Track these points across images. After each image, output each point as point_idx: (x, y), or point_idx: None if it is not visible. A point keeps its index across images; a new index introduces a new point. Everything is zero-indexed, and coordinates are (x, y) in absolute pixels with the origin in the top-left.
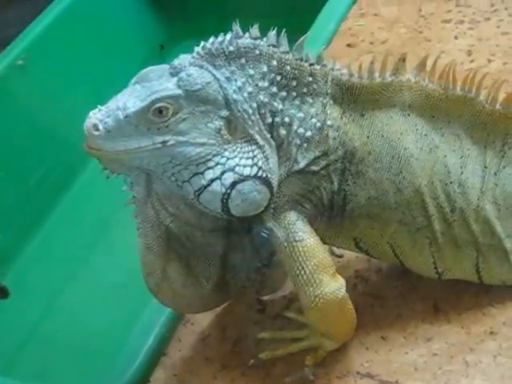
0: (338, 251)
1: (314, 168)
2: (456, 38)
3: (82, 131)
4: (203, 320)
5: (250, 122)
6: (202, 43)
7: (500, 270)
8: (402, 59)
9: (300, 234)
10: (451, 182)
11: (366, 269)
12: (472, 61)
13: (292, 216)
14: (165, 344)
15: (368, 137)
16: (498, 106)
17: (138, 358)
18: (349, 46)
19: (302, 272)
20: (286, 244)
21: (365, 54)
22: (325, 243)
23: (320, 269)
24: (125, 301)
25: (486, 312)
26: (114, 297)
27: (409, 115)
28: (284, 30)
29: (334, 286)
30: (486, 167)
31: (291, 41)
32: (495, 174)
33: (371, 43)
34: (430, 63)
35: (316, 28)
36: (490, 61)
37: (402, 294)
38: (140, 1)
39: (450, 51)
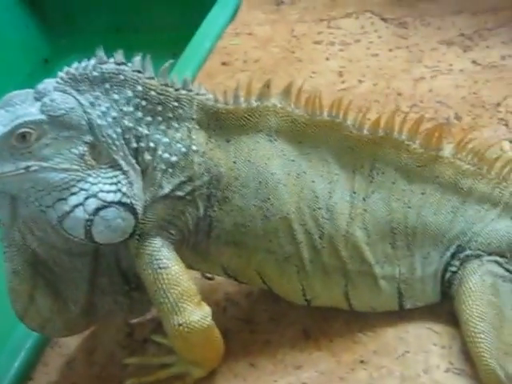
0: (209, 274)
1: (179, 193)
2: (327, 59)
3: None
4: (71, 342)
5: (115, 147)
6: (66, 68)
7: (369, 296)
8: (267, 85)
9: (164, 260)
10: (319, 208)
11: (236, 292)
12: (343, 81)
13: (157, 242)
14: (31, 368)
15: (234, 162)
16: (365, 132)
17: None
18: (224, 64)
19: (166, 300)
20: (150, 271)
21: (239, 72)
22: (192, 269)
23: (184, 297)
24: None
25: (357, 340)
26: None
27: (275, 140)
28: (149, 56)
29: (198, 315)
30: (354, 192)
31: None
32: (364, 199)
33: (245, 62)
34: (296, 88)
35: (192, 46)
36: (360, 81)
37: (272, 319)
38: (24, 14)
39: (322, 72)
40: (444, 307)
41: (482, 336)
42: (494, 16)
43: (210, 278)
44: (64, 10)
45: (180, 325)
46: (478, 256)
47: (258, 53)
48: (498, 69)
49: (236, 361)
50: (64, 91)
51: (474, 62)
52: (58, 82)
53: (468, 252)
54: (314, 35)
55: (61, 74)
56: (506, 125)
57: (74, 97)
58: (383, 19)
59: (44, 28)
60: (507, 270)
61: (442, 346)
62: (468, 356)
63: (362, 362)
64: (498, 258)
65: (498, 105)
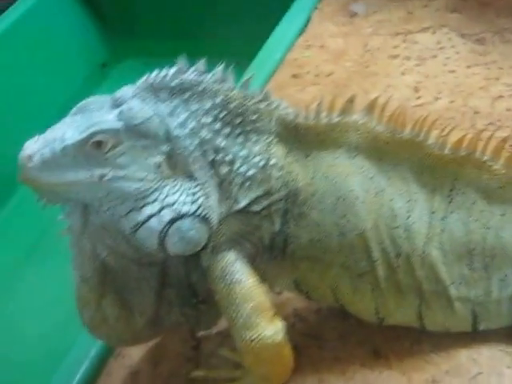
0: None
1: (256, 208)
2: (403, 73)
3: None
4: (135, 354)
5: (191, 159)
6: (145, 76)
7: (443, 317)
8: (351, 100)
9: (238, 274)
10: (397, 227)
11: (305, 308)
12: (419, 97)
13: (231, 256)
14: (94, 378)
15: (312, 178)
16: (446, 151)
17: None
18: (294, 76)
19: (239, 315)
20: (222, 285)
21: (310, 85)
22: (264, 283)
23: (258, 312)
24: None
25: (429, 359)
26: (49, 325)
27: (355, 157)
28: (232, 66)
29: (271, 330)
30: (433, 212)
31: (240, 65)
32: (442, 219)
33: (316, 75)
34: (380, 104)
35: (261, 56)
36: (436, 98)
37: (342, 337)
38: (84, 17)
39: (397, 86)
40: None
41: None
42: None
43: (278, 293)
44: (124, 13)
45: (252, 340)
46: None
47: (329, 66)
48: None
49: (304, 376)
50: (142, 99)
51: None
52: (136, 90)
53: None
54: (389, 49)
55: (140, 81)
56: None
57: (153, 106)
58: (461, 35)
59: (103, 31)
60: None
61: None
62: None
63: (433, 381)
64: None
65: None
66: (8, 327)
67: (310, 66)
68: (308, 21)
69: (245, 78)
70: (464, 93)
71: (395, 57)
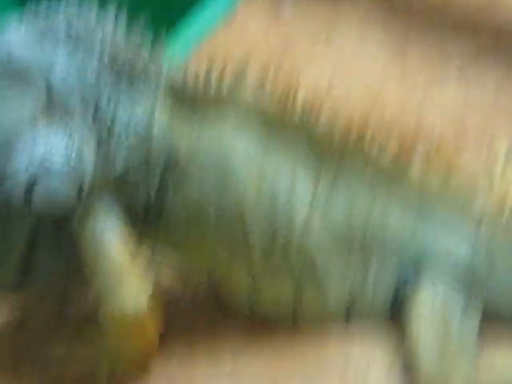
0: None
1: (133, 171)
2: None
3: None
4: None
5: (69, 111)
6: (33, 15)
7: (318, 302)
8: (243, 69)
9: (108, 242)
10: (277, 206)
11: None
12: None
13: (102, 218)
14: None
15: (196, 147)
16: (335, 136)
17: None
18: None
19: (106, 281)
20: (91, 251)
21: None
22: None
23: (124, 281)
24: None
25: (299, 352)
26: None
27: (242, 130)
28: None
29: (135, 301)
30: (315, 196)
31: None
32: (325, 203)
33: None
34: (272, 76)
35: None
36: (349, 90)
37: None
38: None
39: (311, 82)
40: (393, 326)
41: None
42: None
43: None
44: None
45: (116, 309)
46: (434, 277)
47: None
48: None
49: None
50: (26, 40)
51: None
52: (22, 28)
53: (424, 272)
54: (310, 47)
55: (28, 19)
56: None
57: (36, 47)
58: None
59: None
60: (460, 294)
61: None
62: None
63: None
64: (453, 282)
65: None
66: None
67: (224, 57)
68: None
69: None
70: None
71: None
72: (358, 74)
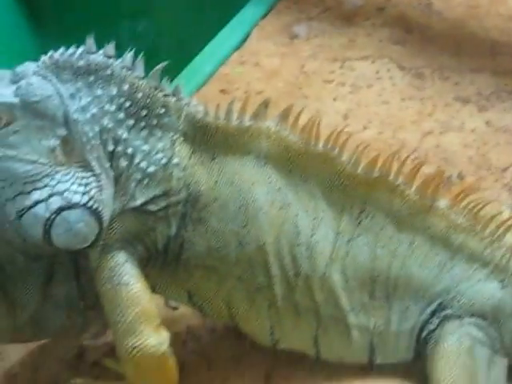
0: (173, 303)
1: (152, 208)
2: (335, 99)
3: None
4: (14, 355)
5: (89, 147)
6: (50, 53)
7: (339, 344)
8: (265, 104)
9: (126, 277)
10: (299, 244)
11: (199, 326)
12: (347, 125)
13: (121, 257)
14: None
15: (216, 182)
16: (359, 170)
17: None
18: (222, 91)
19: (123, 319)
20: (109, 286)
21: (237, 102)
22: (156, 293)
23: (142, 319)
24: None
25: None
26: None
27: (264, 165)
28: (142, 53)
29: (155, 339)
30: (339, 233)
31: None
32: (348, 241)
33: (246, 92)
34: (294, 114)
35: (191, 68)
36: (365, 128)
37: (234, 358)
38: (17, 16)
39: (327, 112)
40: (416, 365)
41: None
42: None
43: (174, 308)
44: (58, 13)
45: (134, 348)
46: (459, 316)
47: (261, 84)
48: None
49: None
50: (44, 77)
51: (487, 122)
52: (38, 66)
53: (449, 311)
54: (325, 74)
55: (44, 58)
56: (510, 190)
57: (54, 84)
58: (400, 67)
59: (36, 31)
60: (487, 335)
61: None
62: None
63: None
64: (479, 321)
65: (505, 170)
66: None
67: (240, 82)
68: (247, 37)
69: (155, 68)
70: (394, 125)
71: (330, 82)
72: (374, 105)
